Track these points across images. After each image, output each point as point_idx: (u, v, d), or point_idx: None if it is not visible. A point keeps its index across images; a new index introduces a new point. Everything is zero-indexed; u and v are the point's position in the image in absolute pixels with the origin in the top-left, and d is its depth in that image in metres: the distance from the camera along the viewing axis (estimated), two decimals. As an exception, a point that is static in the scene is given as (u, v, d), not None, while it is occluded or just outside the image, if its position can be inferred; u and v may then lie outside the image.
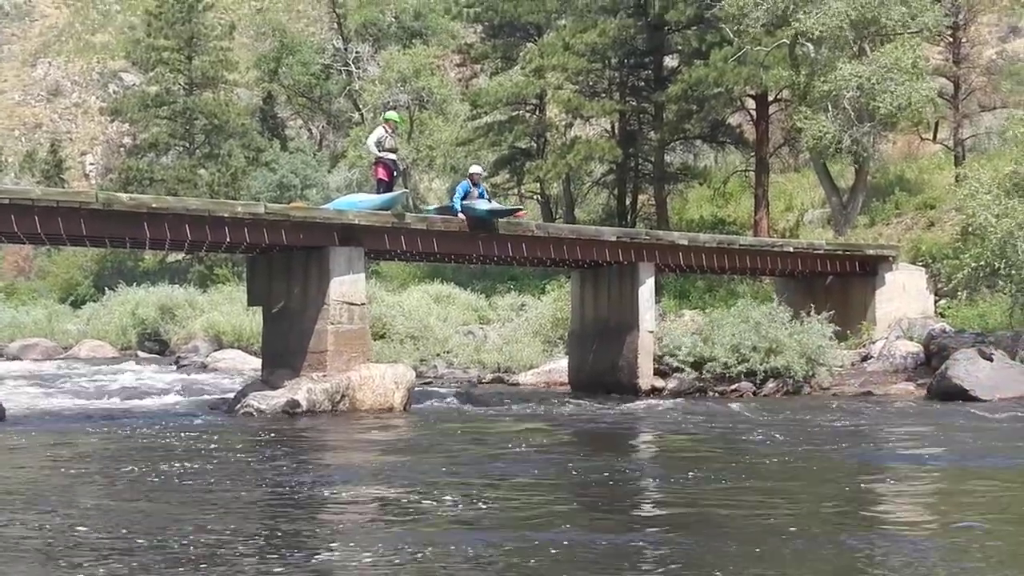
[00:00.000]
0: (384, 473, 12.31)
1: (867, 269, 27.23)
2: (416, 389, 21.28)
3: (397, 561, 7.91)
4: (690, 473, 12.09)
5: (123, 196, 19.32)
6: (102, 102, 75.32)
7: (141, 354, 43.23)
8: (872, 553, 8.19)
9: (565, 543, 8.31)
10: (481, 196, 22.26)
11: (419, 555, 8.04)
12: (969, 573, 7.61)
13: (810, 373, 23.43)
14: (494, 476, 11.76)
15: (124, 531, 8.81)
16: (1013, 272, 22.21)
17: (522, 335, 30.44)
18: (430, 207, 24.07)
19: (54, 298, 59.94)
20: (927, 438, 15.37)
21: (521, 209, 25.61)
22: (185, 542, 8.34)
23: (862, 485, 11.50)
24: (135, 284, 49.99)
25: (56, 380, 28.83)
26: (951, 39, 36.96)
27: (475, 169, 22.94)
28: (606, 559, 7.97)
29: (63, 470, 12.56)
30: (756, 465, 12.81)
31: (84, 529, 8.86)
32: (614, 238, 24.10)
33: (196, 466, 12.36)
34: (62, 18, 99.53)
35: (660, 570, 7.76)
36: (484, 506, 9.88)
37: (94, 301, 53.58)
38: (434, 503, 10.08)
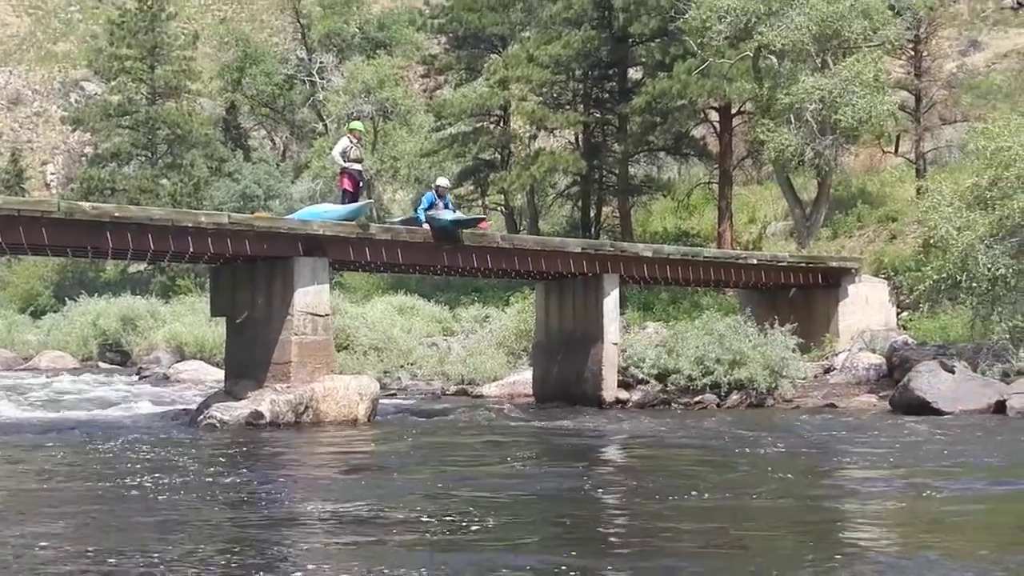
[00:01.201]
0: (347, 489, 12.19)
1: (830, 281, 27.33)
2: (380, 401, 21.20)
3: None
4: (654, 488, 12.08)
5: (85, 205, 19.18)
6: (63, 111, 74.78)
7: (102, 365, 42.96)
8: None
9: (528, 567, 8.11)
10: (447, 207, 22.23)
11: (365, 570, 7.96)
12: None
13: (774, 385, 23.48)
14: (458, 492, 11.61)
15: (83, 550, 8.64)
16: (974, 284, 22.32)
17: (486, 347, 30.40)
18: (395, 218, 23.98)
19: (14, 308, 59.42)
20: (888, 452, 15.37)
21: (485, 219, 25.62)
22: (144, 562, 8.15)
23: (823, 503, 11.50)
24: (96, 295, 49.66)
25: (15, 391, 28.57)
26: (912, 52, 37.24)
27: (441, 182, 22.91)
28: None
29: (20, 485, 12.40)
30: (721, 480, 12.81)
31: (40, 549, 8.64)
32: (579, 250, 24.10)
33: (157, 480, 12.20)
34: (23, 26, 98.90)
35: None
36: (448, 525, 9.68)
37: (55, 311, 53.19)
38: (397, 521, 9.91)
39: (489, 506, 10.69)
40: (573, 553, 8.46)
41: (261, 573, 7.90)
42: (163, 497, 11.01)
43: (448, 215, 21.91)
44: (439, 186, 22.51)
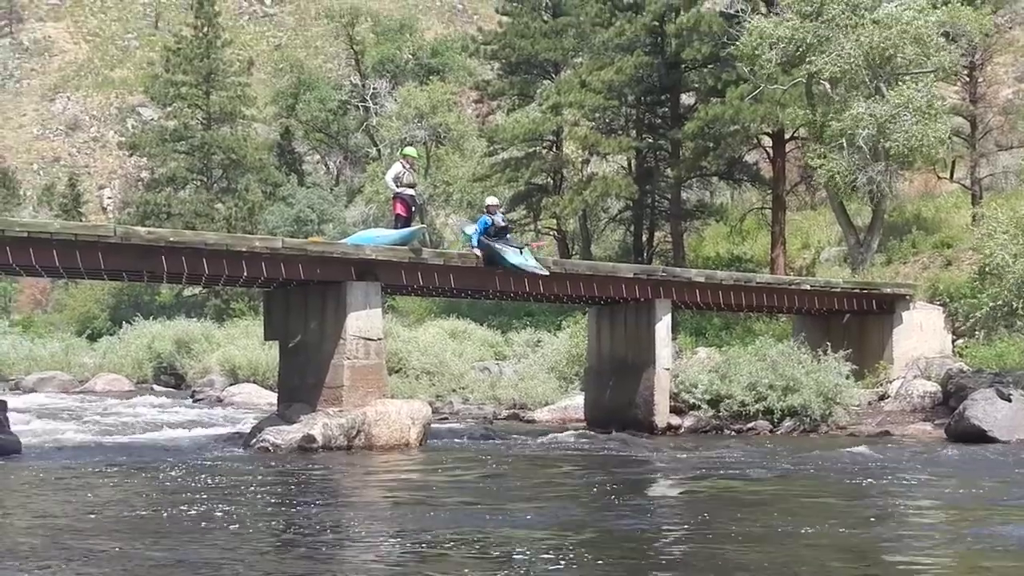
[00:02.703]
0: (401, 517, 12.09)
1: (884, 307, 27.13)
2: (432, 425, 21.23)
3: None
4: (715, 518, 12.02)
5: (141, 230, 19.39)
6: (120, 136, 75.73)
7: (157, 388, 43.23)
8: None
9: None
10: (504, 230, 22.19)
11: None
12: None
13: (827, 412, 23.33)
14: (514, 522, 11.50)
15: (138, 569, 8.70)
16: (1032, 312, 22.14)
17: (537, 371, 30.39)
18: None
19: (71, 331, 60.00)
20: (946, 486, 15.20)
21: (542, 244, 25.55)
22: None
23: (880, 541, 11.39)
24: (151, 317, 50.13)
25: (72, 413, 28.83)
26: (968, 78, 36.99)
27: (491, 200, 22.91)
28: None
29: (77, 508, 12.45)
30: (777, 507, 12.74)
31: (94, 567, 8.67)
32: (631, 275, 24.08)
33: (211, 504, 12.25)
34: (81, 53, 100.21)
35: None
36: (502, 557, 9.54)
37: (110, 334, 53.61)
38: (452, 551, 9.82)
39: (546, 537, 10.57)
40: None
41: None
42: (217, 526, 10.96)
43: (513, 256, 21.71)
44: (490, 205, 22.52)
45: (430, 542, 10.06)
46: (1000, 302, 22.80)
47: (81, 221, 61.94)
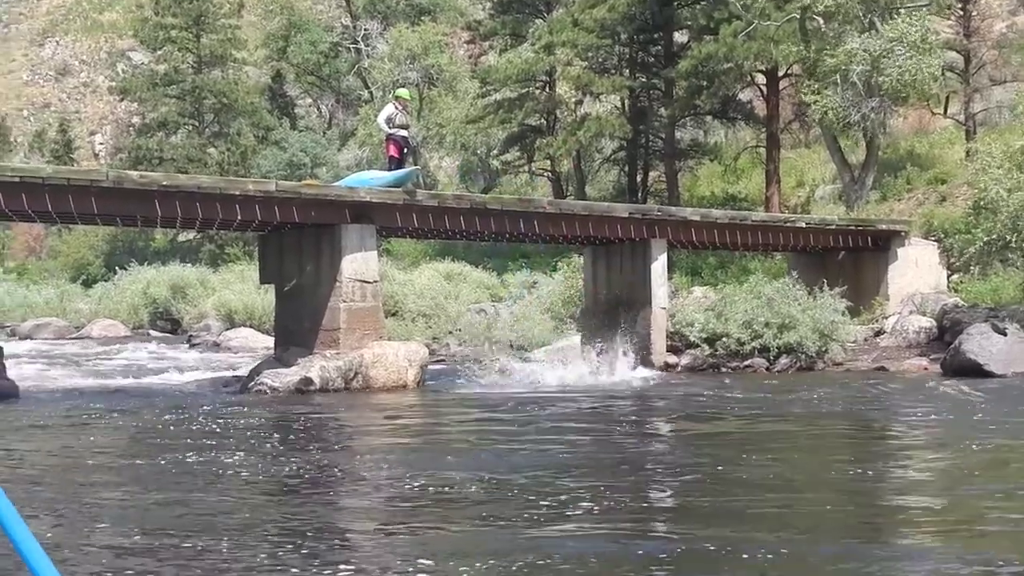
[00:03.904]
0: (402, 458, 12.03)
1: (879, 244, 27.16)
2: (428, 367, 21.29)
3: (405, 543, 7.81)
4: (713, 454, 12.09)
5: (133, 174, 19.38)
6: (111, 81, 75.05)
7: (153, 333, 43.26)
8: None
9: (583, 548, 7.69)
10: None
11: (439, 551, 7.64)
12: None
13: (823, 349, 23.40)
14: (515, 462, 11.39)
15: (137, 520, 8.67)
16: (1026, 246, 22.17)
17: (533, 312, 30.40)
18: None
19: (65, 278, 59.93)
20: (942, 415, 15.30)
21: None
22: (199, 540, 7.90)
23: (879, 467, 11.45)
24: (146, 263, 50.02)
25: (69, 359, 28.88)
26: (961, 12, 36.80)
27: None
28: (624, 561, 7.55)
29: (79, 453, 12.48)
30: (780, 444, 12.81)
31: (95, 518, 8.62)
32: (626, 214, 24.08)
33: (211, 449, 12.24)
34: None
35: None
36: (505, 497, 9.40)
37: (105, 280, 53.48)
38: (456, 491, 9.75)
39: (549, 476, 10.50)
40: (626, 536, 8.24)
41: (316, 551, 7.68)
42: (219, 471, 10.92)
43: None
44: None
45: (434, 483, 9.98)
46: (995, 236, 22.82)
47: (73, 167, 61.71)
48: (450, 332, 30.53)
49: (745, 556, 7.16)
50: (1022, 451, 11.74)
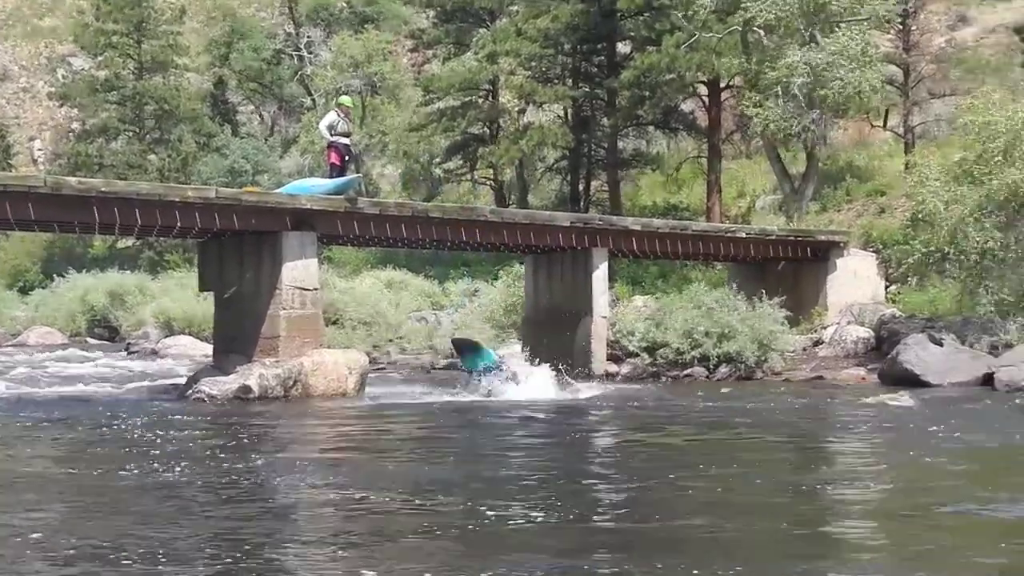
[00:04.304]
0: (338, 467, 11.96)
1: (818, 255, 27.35)
2: (369, 375, 21.20)
3: (348, 561, 7.66)
4: (646, 464, 12.10)
5: (72, 180, 19.18)
6: (50, 87, 74.31)
7: (91, 341, 42.85)
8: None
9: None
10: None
11: (371, 559, 7.65)
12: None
13: (762, 358, 23.50)
14: (452, 474, 11.31)
15: (70, 530, 8.55)
16: (963, 258, 22.38)
17: (475, 321, 30.39)
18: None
19: (2, 284, 59.20)
20: (874, 425, 15.41)
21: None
22: (133, 548, 7.80)
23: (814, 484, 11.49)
24: (84, 270, 49.46)
25: (3, 366, 28.50)
26: (901, 27, 37.20)
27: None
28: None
29: (8, 462, 12.31)
30: (715, 453, 12.84)
31: (31, 534, 8.35)
32: (568, 223, 24.12)
33: (145, 458, 12.10)
34: (9, 2, 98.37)
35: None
36: (443, 512, 9.31)
37: (43, 287, 52.93)
38: (389, 501, 9.65)
39: (481, 488, 10.43)
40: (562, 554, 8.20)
41: (251, 560, 7.64)
42: (152, 478, 10.80)
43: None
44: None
45: (374, 495, 9.88)
46: (932, 248, 23.02)
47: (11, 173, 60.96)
48: (391, 340, 30.44)
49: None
50: (960, 465, 11.80)
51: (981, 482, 10.58)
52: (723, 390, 20.60)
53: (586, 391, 20.14)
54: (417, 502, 9.72)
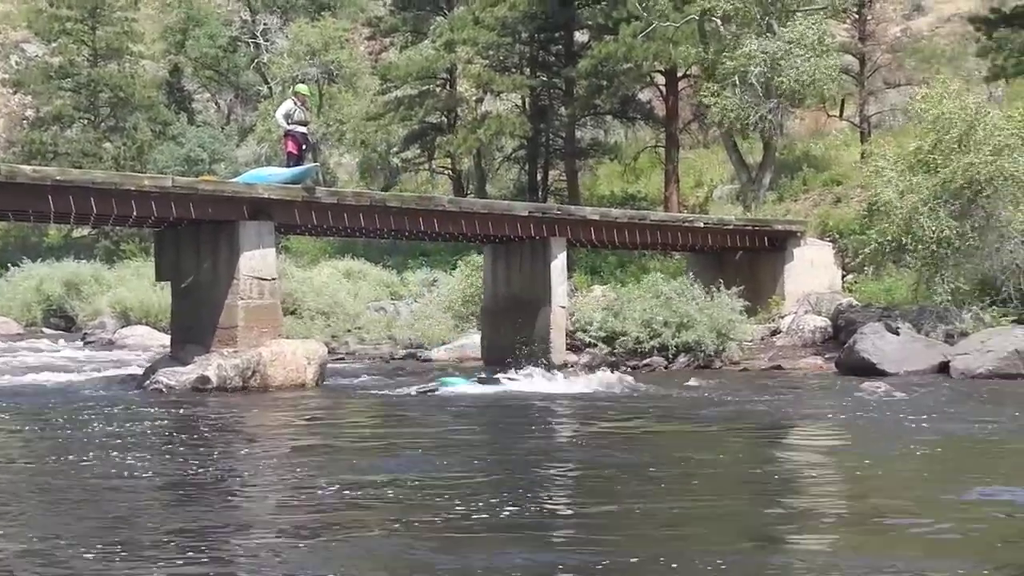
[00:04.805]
0: (299, 459, 11.88)
1: (776, 244, 27.50)
2: (328, 366, 21.14)
3: (303, 552, 7.61)
4: (606, 454, 12.13)
5: (26, 168, 18.97)
6: (3, 74, 73.56)
7: (46, 331, 42.49)
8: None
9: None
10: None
11: (327, 553, 7.60)
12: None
13: (721, 347, 23.63)
14: (414, 465, 11.19)
15: (25, 524, 8.50)
16: (919, 247, 22.53)
17: (434, 311, 30.37)
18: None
19: (-45, 274, 58.65)
20: (833, 414, 15.51)
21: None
22: (88, 545, 7.64)
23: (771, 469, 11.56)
24: (39, 259, 49.05)
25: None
26: (857, 16, 37.41)
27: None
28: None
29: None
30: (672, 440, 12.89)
31: None
32: (526, 213, 24.12)
33: (103, 449, 12.02)
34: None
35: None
36: (405, 504, 9.22)
37: (-3, 277, 52.50)
38: (339, 494, 9.53)
39: (440, 479, 10.40)
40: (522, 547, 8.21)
41: (211, 554, 7.57)
42: (109, 471, 10.70)
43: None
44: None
45: (335, 487, 9.80)
46: (888, 238, 23.17)
47: (-36, 161, 60.37)
48: (349, 330, 30.37)
49: (643, 567, 7.18)
50: (922, 449, 11.90)
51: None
52: (689, 381, 20.60)
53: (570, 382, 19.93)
54: (385, 494, 9.65)
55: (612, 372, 20.56)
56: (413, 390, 18.57)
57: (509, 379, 19.87)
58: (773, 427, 14.45)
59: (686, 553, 7.37)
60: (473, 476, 10.64)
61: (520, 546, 7.62)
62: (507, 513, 8.61)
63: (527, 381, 19.69)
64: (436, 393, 18.32)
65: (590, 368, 23.02)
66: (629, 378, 19.92)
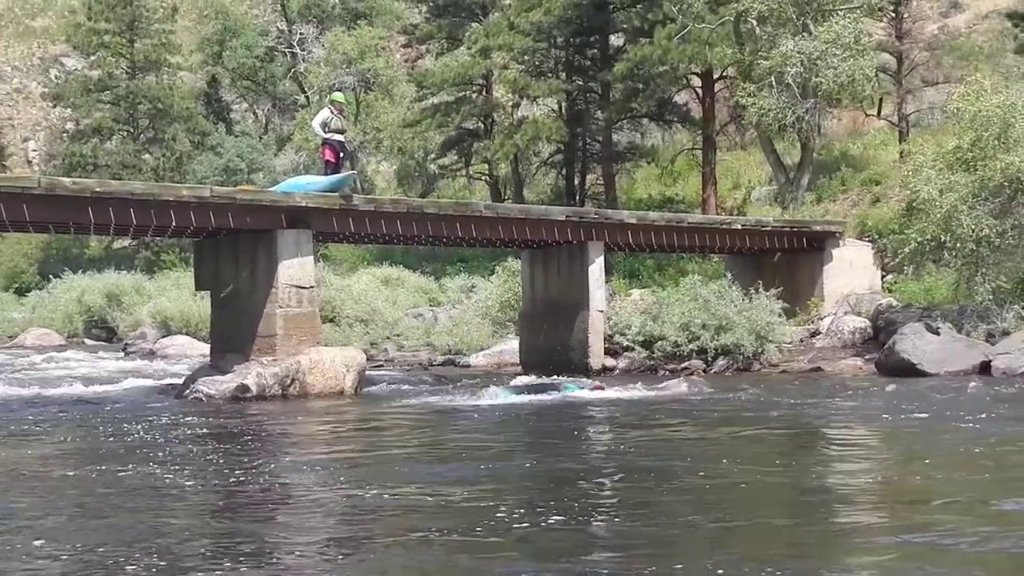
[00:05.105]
0: (341, 467, 11.85)
1: (814, 245, 27.35)
2: (367, 373, 21.18)
3: (350, 563, 7.60)
4: (649, 464, 12.09)
5: (66, 180, 19.11)
6: (44, 87, 74.28)
7: (88, 342, 42.85)
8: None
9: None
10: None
11: (371, 560, 7.64)
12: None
13: (760, 350, 23.51)
14: (455, 475, 11.09)
15: (70, 534, 8.52)
16: (958, 246, 22.36)
17: (472, 317, 30.40)
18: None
19: (-2, 286, 59.20)
20: (878, 414, 15.41)
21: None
22: (133, 546, 7.83)
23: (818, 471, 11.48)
24: (81, 271, 49.46)
25: (1, 368, 28.49)
26: (893, 14, 37.21)
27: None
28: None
29: (7, 464, 12.25)
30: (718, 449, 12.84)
31: (28, 533, 8.41)
32: (563, 217, 24.10)
33: (144, 459, 12.06)
34: (1, 2, 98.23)
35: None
36: (446, 514, 9.08)
37: (39, 289, 52.94)
38: (380, 502, 9.55)
39: (481, 488, 10.29)
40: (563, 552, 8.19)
41: (255, 563, 7.58)
42: (151, 481, 10.74)
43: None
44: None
45: (379, 493, 9.82)
46: (928, 237, 23.00)
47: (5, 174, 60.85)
48: (388, 337, 30.44)
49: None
50: (971, 456, 11.79)
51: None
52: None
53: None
54: (429, 501, 9.63)
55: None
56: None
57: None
58: (825, 432, 14.38)
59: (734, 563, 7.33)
60: (518, 484, 10.61)
61: (565, 556, 7.60)
62: (552, 522, 8.56)
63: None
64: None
65: (628, 372, 23.02)
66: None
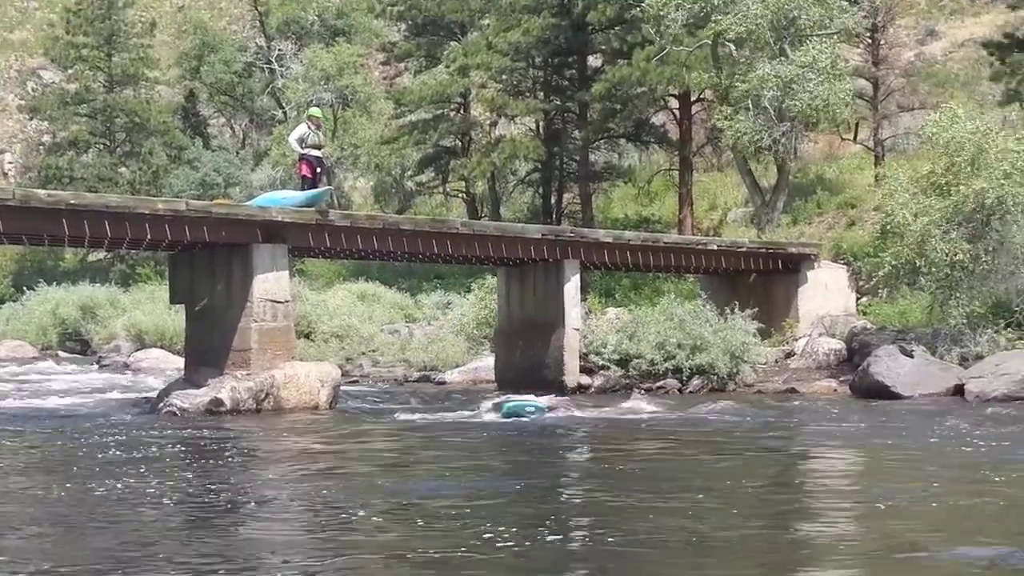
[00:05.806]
0: (314, 482, 11.84)
1: (790, 267, 27.46)
2: (342, 388, 21.14)
3: None
4: (617, 484, 12.11)
5: (41, 192, 19.07)
6: (20, 100, 74.00)
7: (62, 354, 42.65)
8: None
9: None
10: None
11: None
12: None
13: (735, 370, 23.57)
14: (427, 490, 11.12)
15: (39, 549, 8.49)
16: (933, 269, 22.46)
17: (447, 333, 30.38)
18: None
19: (-29, 298, 58.82)
20: (850, 438, 15.46)
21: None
22: (104, 561, 7.80)
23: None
24: (55, 283, 49.25)
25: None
26: (870, 40, 37.42)
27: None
28: None
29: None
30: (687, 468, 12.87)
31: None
32: (539, 235, 24.14)
33: (117, 473, 12.00)
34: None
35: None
36: (422, 532, 9.09)
37: (13, 301, 52.69)
38: (358, 518, 9.49)
39: (453, 507, 10.24)
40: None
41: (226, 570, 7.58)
42: (123, 494, 10.71)
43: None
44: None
45: (344, 509, 9.82)
46: (902, 260, 23.11)
47: (-20, 186, 60.53)
48: (363, 353, 30.40)
49: None
50: (943, 478, 11.85)
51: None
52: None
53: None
54: (400, 518, 9.63)
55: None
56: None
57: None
58: (803, 452, 14.42)
59: None
60: (497, 500, 10.59)
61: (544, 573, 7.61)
62: (532, 538, 8.58)
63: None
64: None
65: (603, 391, 23.04)
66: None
